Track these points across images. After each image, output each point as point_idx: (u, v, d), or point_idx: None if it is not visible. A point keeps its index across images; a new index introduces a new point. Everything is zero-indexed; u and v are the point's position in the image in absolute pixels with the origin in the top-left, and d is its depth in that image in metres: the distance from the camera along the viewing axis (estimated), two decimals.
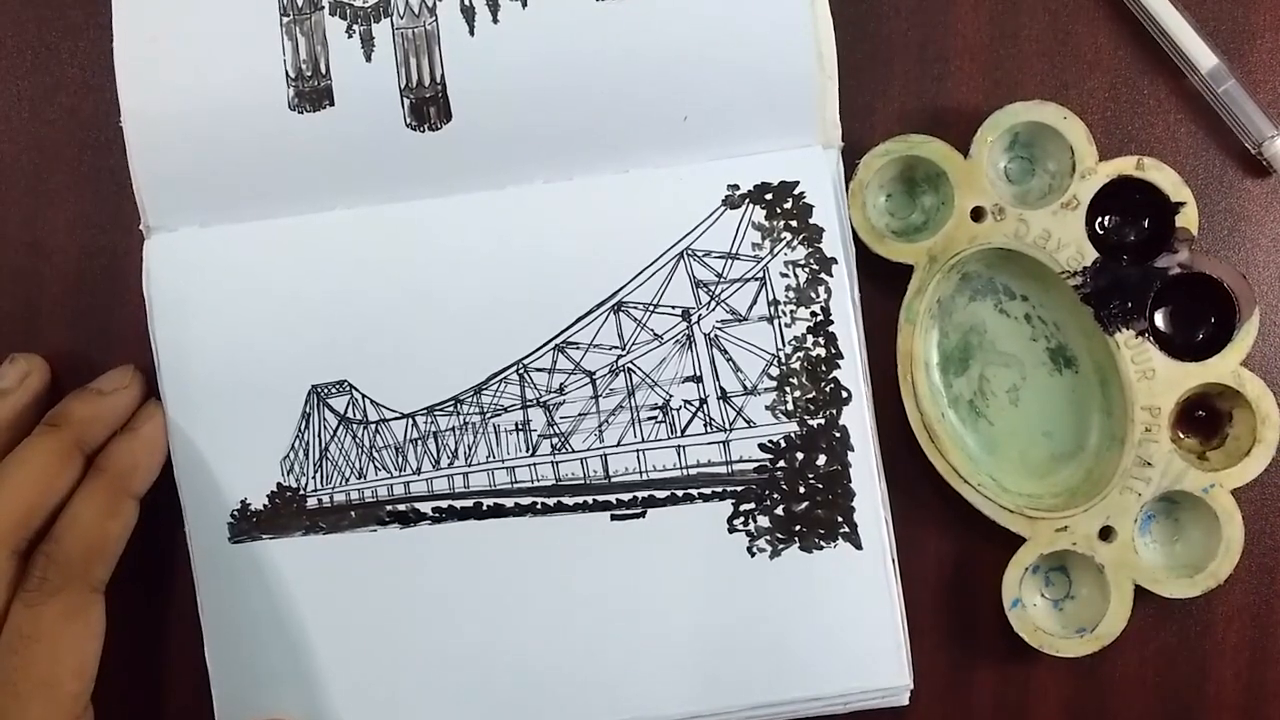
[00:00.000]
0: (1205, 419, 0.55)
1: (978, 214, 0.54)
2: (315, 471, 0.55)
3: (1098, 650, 0.53)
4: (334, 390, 0.55)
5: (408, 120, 0.55)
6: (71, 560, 0.51)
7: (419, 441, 0.55)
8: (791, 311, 0.54)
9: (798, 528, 0.54)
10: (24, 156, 0.57)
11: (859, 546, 0.54)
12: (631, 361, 0.55)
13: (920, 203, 0.56)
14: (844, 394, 0.54)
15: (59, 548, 0.51)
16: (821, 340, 0.54)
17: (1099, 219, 0.54)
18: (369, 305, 0.55)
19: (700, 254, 0.55)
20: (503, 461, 0.55)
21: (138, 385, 0.55)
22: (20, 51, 0.58)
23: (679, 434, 0.55)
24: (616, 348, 0.55)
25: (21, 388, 0.54)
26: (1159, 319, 0.54)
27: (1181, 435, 0.55)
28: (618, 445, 0.55)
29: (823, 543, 0.54)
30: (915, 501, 0.55)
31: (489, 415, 0.55)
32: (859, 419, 0.54)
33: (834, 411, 0.54)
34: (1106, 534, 0.54)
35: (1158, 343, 0.53)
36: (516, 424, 0.55)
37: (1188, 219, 0.53)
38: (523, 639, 0.54)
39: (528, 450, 0.55)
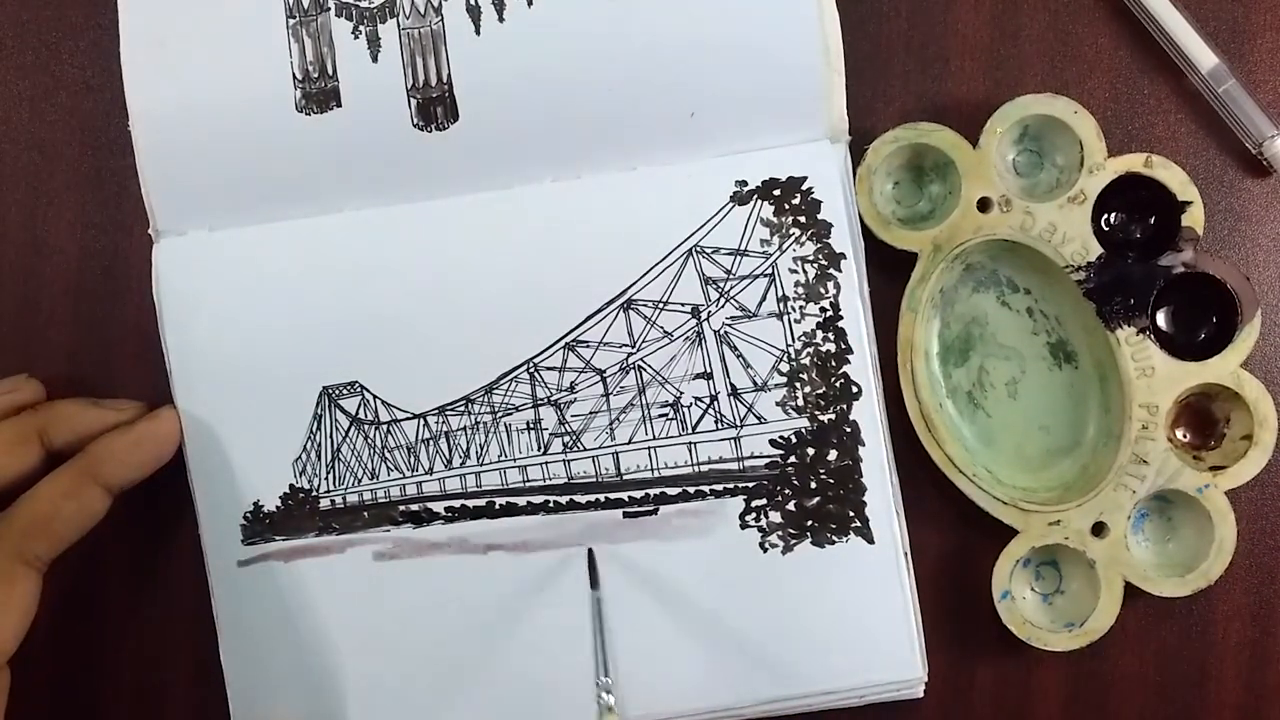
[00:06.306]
0: (1203, 419, 0.55)
1: (984, 204, 0.54)
2: (328, 473, 0.55)
3: (1086, 645, 0.54)
4: (345, 391, 0.55)
5: (415, 120, 0.55)
6: (11, 529, 0.50)
7: (431, 441, 0.55)
8: (801, 307, 0.54)
9: (809, 523, 0.54)
10: (24, 156, 0.57)
11: (871, 541, 0.54)
12: (642, 359, 0.55)
13: (927, 191, 0.56)
14: (854, 389, 0.54)
15: (4, 516, 0.50)
16: (831, 335, 0.54)
17: (1105, 215, 0.54)
18: (379, 306, 0.55)
19: (709, 250, 0.55)
20: (514, 460, 0.55)
21: (135, 411, 0.54)
22: (20, 51, 0.57)
23: (690, 431, 0.55)
24: (627, 345, 0.55)
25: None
26: (1160, 317, 0.55)
27: (1178, 434, 0.55)
28: (629, 443, 0.55)
29: (835, 537, 0.54)
30: (912, 493, 0.55)
31: (500, 414, 0.55)
32: (869, 413, 0.54)
33: (844, 406, 0.54)
34: (1099, 530, 0.54)
35: (1158, 341, 0.54)
36: (528, 423, 0.55)
37: (1194, 218, 0.53)
38: (536, 639, 0.54)
39: (539, 449, 0.55)
